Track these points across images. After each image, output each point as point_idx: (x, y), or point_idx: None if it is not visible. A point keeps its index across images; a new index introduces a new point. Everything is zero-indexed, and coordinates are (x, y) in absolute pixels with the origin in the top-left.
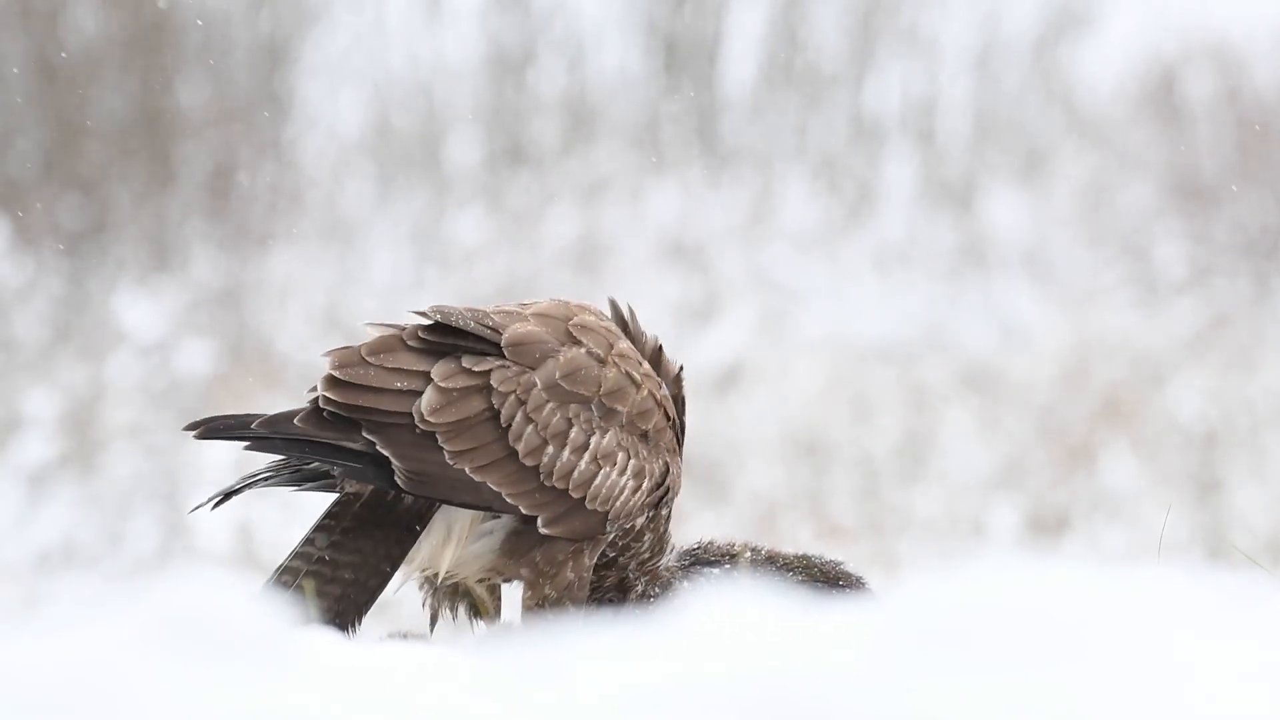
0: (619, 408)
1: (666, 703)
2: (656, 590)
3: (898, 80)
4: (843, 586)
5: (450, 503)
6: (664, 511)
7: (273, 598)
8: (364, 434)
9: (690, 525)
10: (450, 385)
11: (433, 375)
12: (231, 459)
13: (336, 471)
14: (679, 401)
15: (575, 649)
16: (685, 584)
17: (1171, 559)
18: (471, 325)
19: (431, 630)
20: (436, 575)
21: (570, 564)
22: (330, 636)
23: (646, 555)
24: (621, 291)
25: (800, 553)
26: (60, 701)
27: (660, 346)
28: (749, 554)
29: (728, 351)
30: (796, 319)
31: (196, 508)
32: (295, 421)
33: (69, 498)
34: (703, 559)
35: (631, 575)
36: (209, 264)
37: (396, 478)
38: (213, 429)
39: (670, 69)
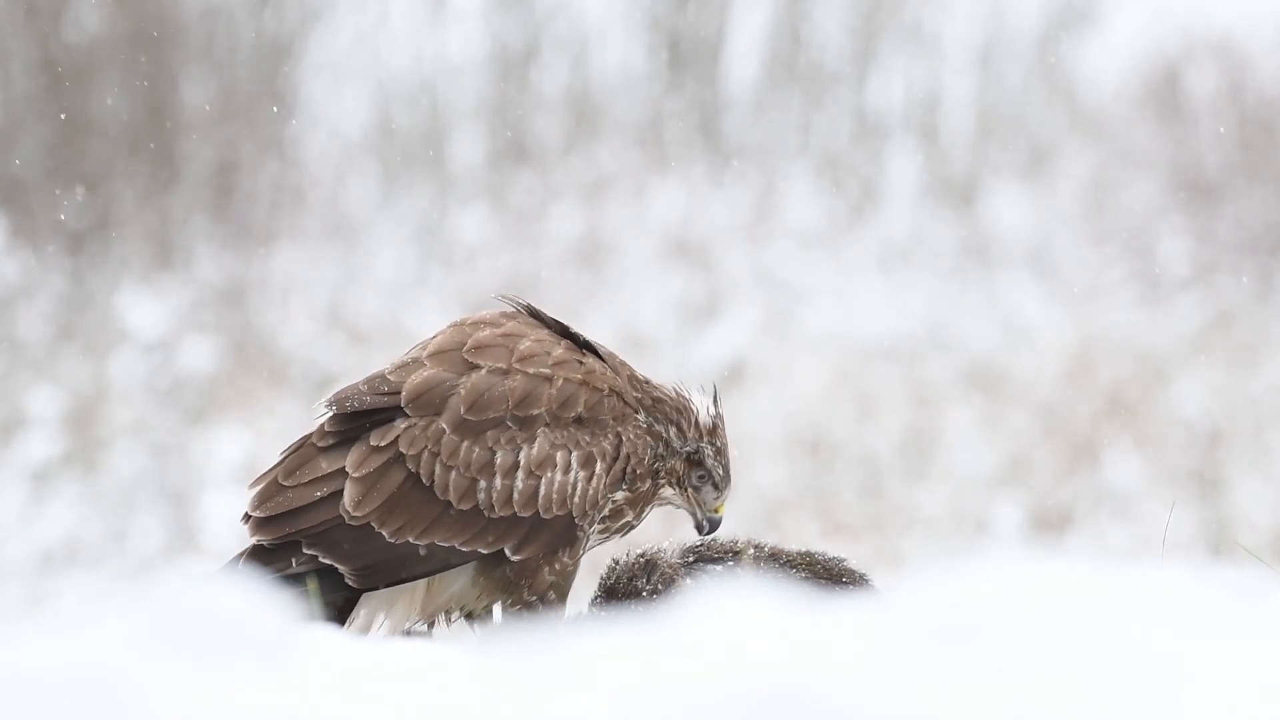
0: (535, 411)
1: (670, 700)
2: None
3: (901, 78)
4: (846, 584)
5: (410, 579)
6: (646, 397)
7: (276, 596)
8: (305, 551)
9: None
10: (365, 471)
11: (347, 468)
12: (237, 458)
13: (310, 577)
14: (572, 337)
15: (578, 647)
16: (689, 581)
17: (1175, 556)
18: (369, 400)
19: (429, 630)
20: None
21: (546, 568)
22: (334, 635)
23: (676, 428)
24: (625, 289)
25: (804, 550)
26: (64, 700)
27: (566, 327)
28: (752, 551)
29: (731, 349)
30: (800, 317)
31: None
32: (239, 567)
33: (72, 496)
34: (706, 556)
35: (689, 448)
36: (212, 262)
37: (347, 580)
38: None
39: (673, 67)
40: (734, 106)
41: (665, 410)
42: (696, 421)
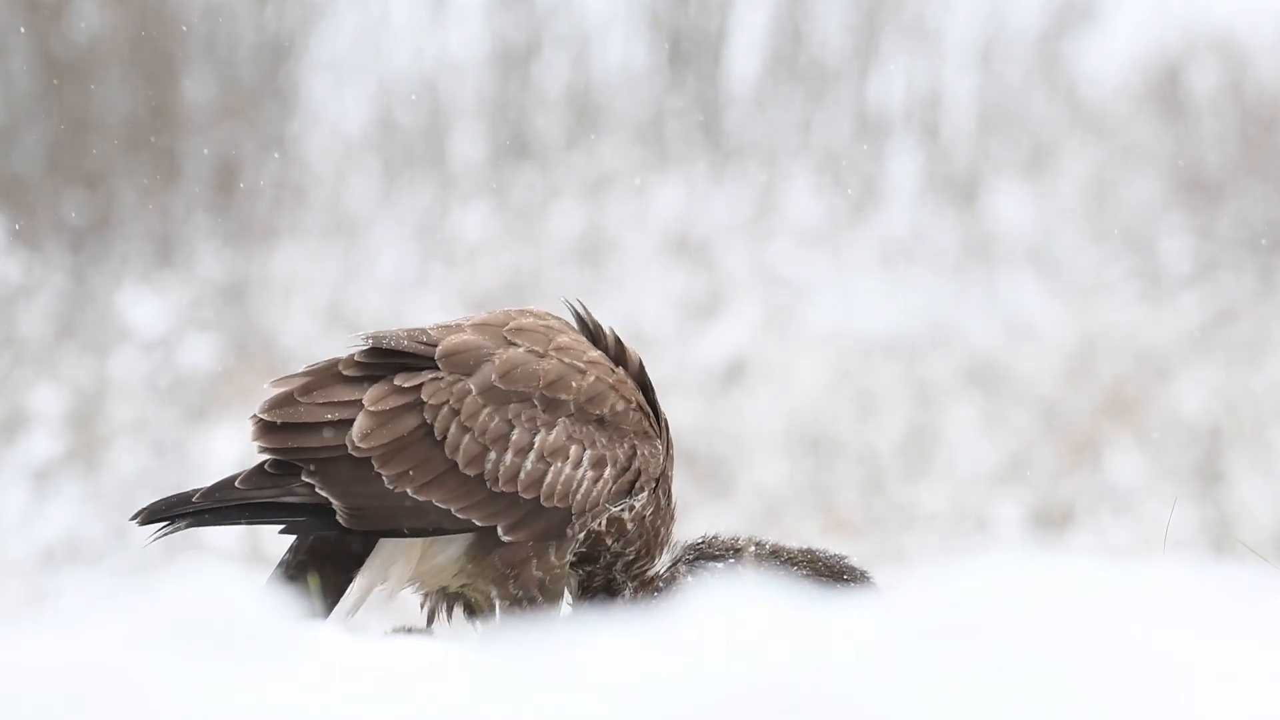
0: (564, 397)
1: (671, 698)
2: (646, 595)
3: (902, 75)
4: (847, 581)
5: (397, 533)
6: (646, 511)
7: (278, 593)
8: (303, 477)
9: (695, 520)
10: (381, 407)
11: (364, 401)
12: (237, 456)
13: (281, 529)
14: (646, 389)
15: (579, 645)
16: (690, 579)
17: (1177, 553)
18: (405, 344)
19: (429, 625)
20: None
21: (535, 562)
22: (335, 632)
23: (632, 557)
24: (626, 287)
25: (805, 547)
26: (66, 698)
27: (619, 339)
28: (753, 549)
29: (732, 347)
30: (801, 314)
31: (134, 517)
32: (237, 484)
33: (74, 494)
34: (707, 554)
35: (618, 578)
36: (213, 260)
37: (338, 517)
38: (154, 513)
39: (674, 64)
40: (735, 104)
41: (656, 537)
42: (644, 570)
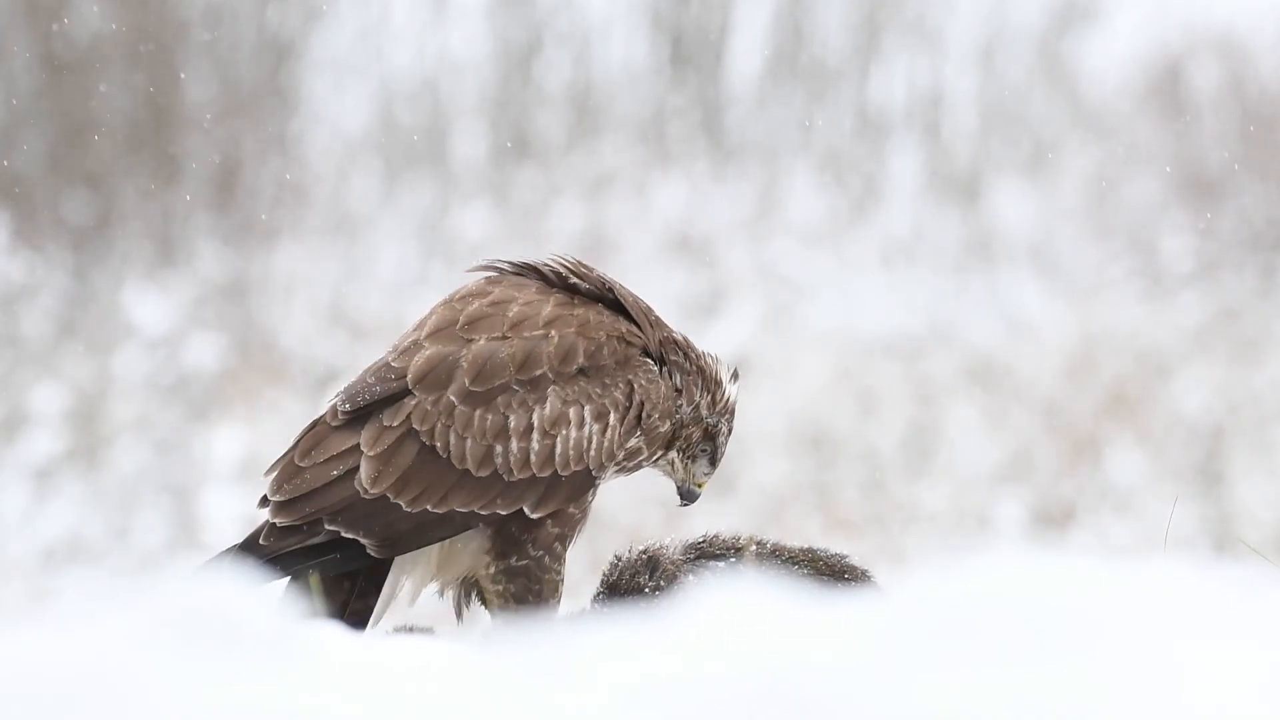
0: (538, 371)
1: (673, 696)
2: (730, 422)
3: (903, 74)
4: (848, 580)
5: (430, 544)
6: (687, 362)
7: (279, 592)
8: (326, 527)
9: (696, 519)
10: (380, 449)
11: (361, 446)
12: (239, 454)
13: (312, 573)
14: (624, 302)
15: (582, 643)
16: (691, 578)
17: (1177, 552)
18: (378, 390)
19: (459, 620)
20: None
21: (549, 520)
22: (337, 631)
23: (710, 398)
24: (627, 285)
25: (806, 546)
26: (67, 696)
27: (578, 267)
28: (754, 547)
29: (733, 345)
30: (802, 313)
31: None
32: (261, 541)
33: (75, 493)
34: (708, 552)
35: (711, 421)
36: (214, 259)
37: (369, 550)
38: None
39: (676, 63)
40: (736, 103)
41: (705, 379)
42: (726, 400)
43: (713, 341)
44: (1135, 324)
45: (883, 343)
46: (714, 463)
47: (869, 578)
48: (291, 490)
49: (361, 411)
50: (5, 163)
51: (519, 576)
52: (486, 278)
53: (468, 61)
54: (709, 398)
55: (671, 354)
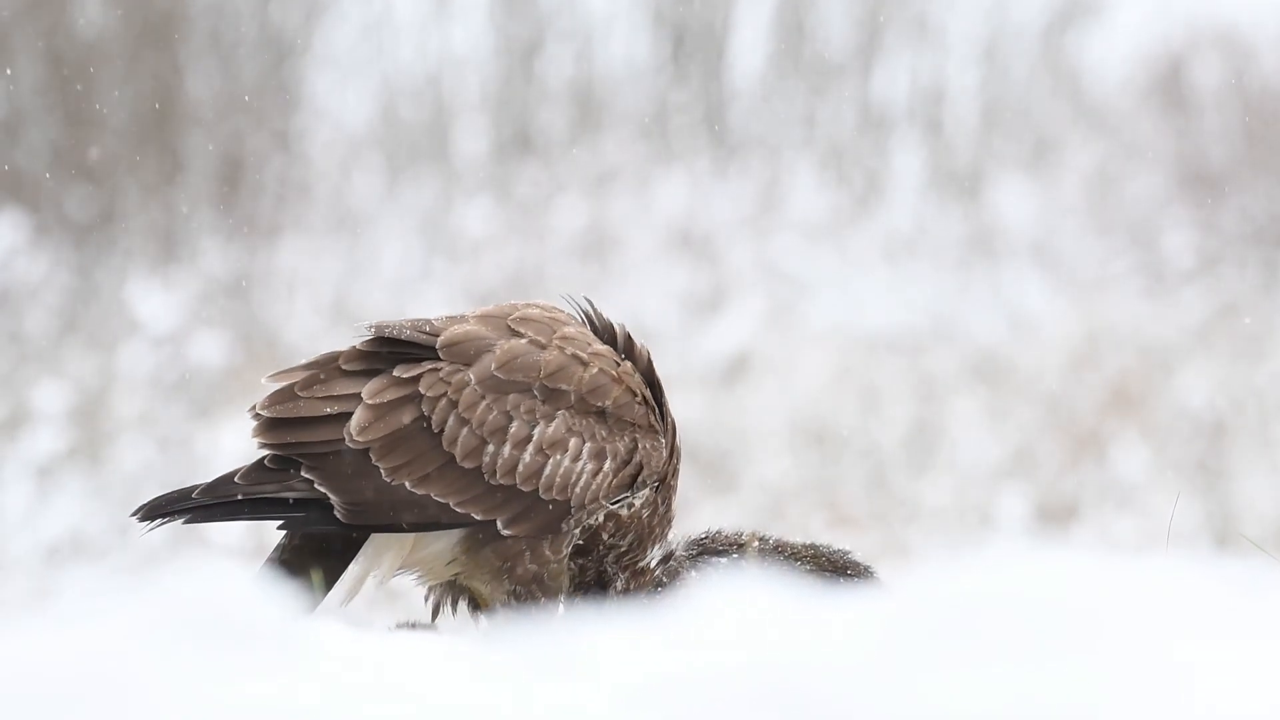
0: (564, 387)
1: (675, 692)
2: (638, 587)
3: (906, 70)
4: (851, 576)
5: (396, 527)
6: (644, 511)
7: (280, 588)
8: (302, 473)
9: (698, 515)
10: (379, 400)
11: (362, 394)
12: (242, 451)
13: (279, 525)
14: (654, 387)
15: (582, 639)
16: (693, 573)
17: (1180, 548)
18: (408, 333)
19: (433, 620)
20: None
21: (528, 555)
22: (338, 628)
23: (624, 549)
24: (629, 282)
25: (808, 542)
26: (70, 693)
27: (629, 335)
28: (757, 543)
29: (736, 342)
30: (804, 309)
31: (134, 513)
32: (236, 479)
33: (78, 490)
34: (711, 548)
35: (609, 570)
36: (218, 255)
37: (335, 512)
38: (154, 509)
39: (678, 59)
40: (739, 98)
41: (652, 533)
42: (636, 560)
43: (715, 337)
44: (1137, 320)
45: (885, 339)
46: (569, 587)
47: (872, 574)
48: (281, 412)
49: (377, 359)
50: (9, 159)
51: (516, 583)
52: (557, 305)
53: (470, 58)
54: (625, 548)
55: (672, 478)
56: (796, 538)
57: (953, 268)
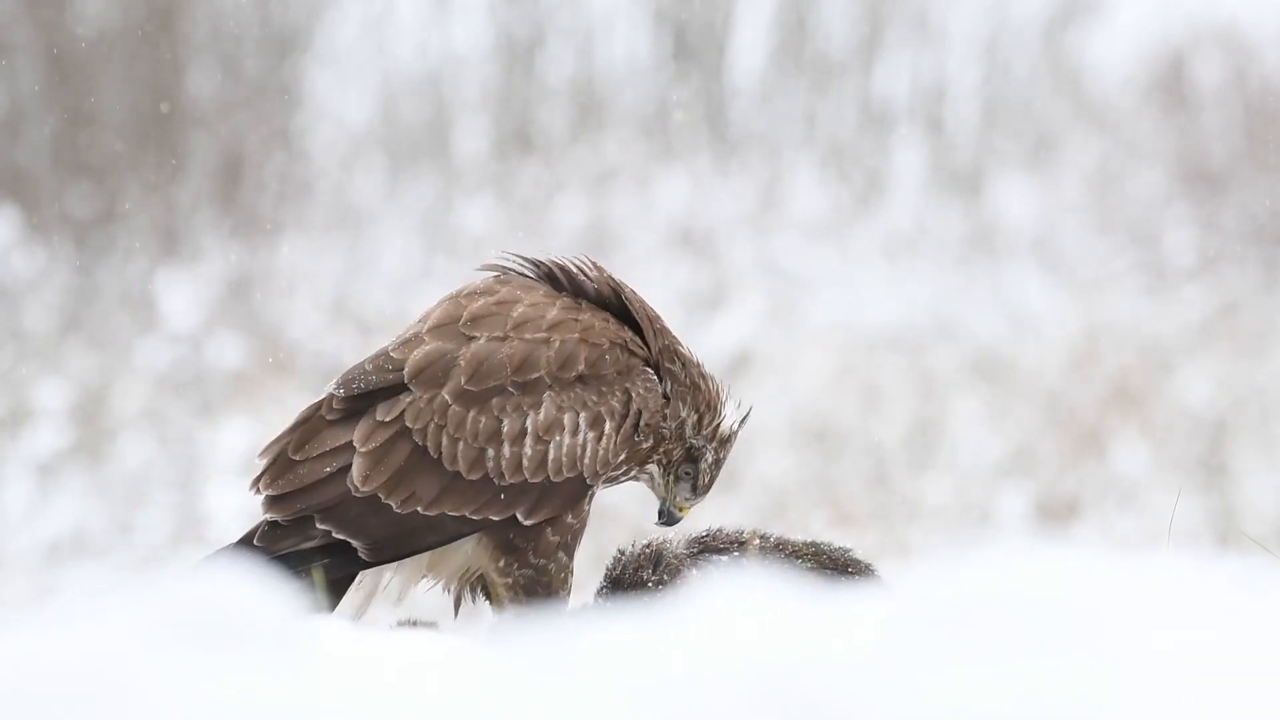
0: (535, 375)
1: (676, 691)
2: (726, 453)
3: (907, 67)
4: (852, 574)
5: (422, 550)
6: (684, 374)
7: (280, 587)
8: (318, 525)
9: (699, 513)
10: (372, 445)
11: (354, 443)
12: (244, 449)
13: (315, 568)
14: (625, 306)
15: (585, 638)
16: (694, 572)
17: (1181, 545)
18: (374, 379)
19: (456, 614)
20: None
21: (549, 529)
22: (341, 627)
23: (696, 418)
24: (630, 280)
25: (809, 540)
26: (71, 692)
27: (589, 268)
28: (758, 541)
29: (737, 340)
30: (805, 307)
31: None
32: (256, 543)
33: (79, 488)
34: (712, 546)
35: (695, 444)
36: (219, 253)
37: (360, 554)
38: None
39: (679, 57)
40: (739, 97)
41: (697, 397)
42: (717, 426)
43: (716, 335)
44: (1138, 318)
45: (886, 337)
46: (695, 490)
47: (873, 571)
48: (285, 485)
49: (357, 405)
50: (9, 156)
51: (527, 578)
52: (495, 276)
53: (471, 56)
54: (696, 417)
55: (668, 362)
56: (797, 536)
57: (953, 266)
